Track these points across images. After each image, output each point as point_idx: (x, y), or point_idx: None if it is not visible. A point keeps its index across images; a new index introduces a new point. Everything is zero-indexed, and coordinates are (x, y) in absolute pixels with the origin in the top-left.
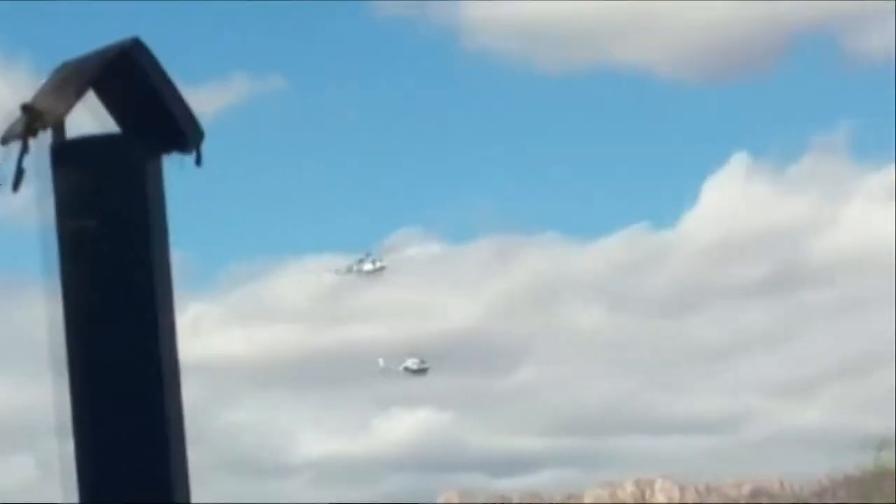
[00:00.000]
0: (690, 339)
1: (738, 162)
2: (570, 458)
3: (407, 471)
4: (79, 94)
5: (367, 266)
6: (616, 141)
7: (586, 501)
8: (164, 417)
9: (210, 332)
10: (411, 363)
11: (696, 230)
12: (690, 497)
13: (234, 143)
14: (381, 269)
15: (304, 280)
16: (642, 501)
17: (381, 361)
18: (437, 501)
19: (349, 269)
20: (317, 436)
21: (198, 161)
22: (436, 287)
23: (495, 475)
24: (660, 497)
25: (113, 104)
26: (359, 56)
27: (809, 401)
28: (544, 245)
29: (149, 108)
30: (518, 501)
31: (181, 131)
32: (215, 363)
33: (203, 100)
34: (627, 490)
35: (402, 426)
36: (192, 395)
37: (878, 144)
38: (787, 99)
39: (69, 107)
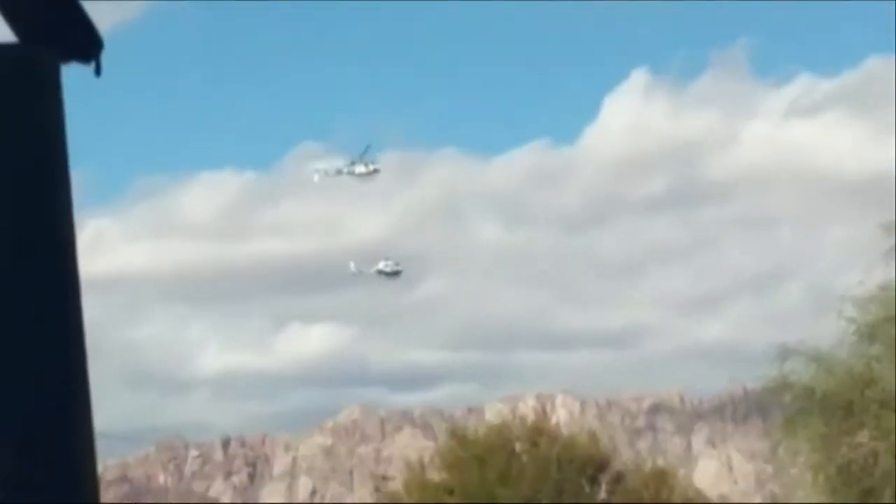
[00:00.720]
0: (592, 253)
1: (639, 78)
2: (472, 372)
3: (309, 385)
4: None
5: (360, 168)
6: (515, 57)
7: (487, 416)
8: (66, 333)
9: (112, 247)
10: (384, 265)
11: (596, 146)
12: (591, 411)
13: (135, 58)
14: (376, 171)
15: (206, 195)
16: (543, 415)
17: (352, 265)
18: (339, 415)
19: (339, 172)
20: (219, 351)
21: (97, 71)
22: (338, 202)
23: (397, 390)
24: (561, 412)
25: (10, 12)
26: None
27: (711, 316)
28: (446, 161)
29: (47, 17)
30: (420, 415)
31: (81, 40)
32: (117, 278)
33: (102, 14)
34: (529, 404)
35: (306, 341)
36: (94, 311)
37: (777, 61)
38: (686, 15)
39: None
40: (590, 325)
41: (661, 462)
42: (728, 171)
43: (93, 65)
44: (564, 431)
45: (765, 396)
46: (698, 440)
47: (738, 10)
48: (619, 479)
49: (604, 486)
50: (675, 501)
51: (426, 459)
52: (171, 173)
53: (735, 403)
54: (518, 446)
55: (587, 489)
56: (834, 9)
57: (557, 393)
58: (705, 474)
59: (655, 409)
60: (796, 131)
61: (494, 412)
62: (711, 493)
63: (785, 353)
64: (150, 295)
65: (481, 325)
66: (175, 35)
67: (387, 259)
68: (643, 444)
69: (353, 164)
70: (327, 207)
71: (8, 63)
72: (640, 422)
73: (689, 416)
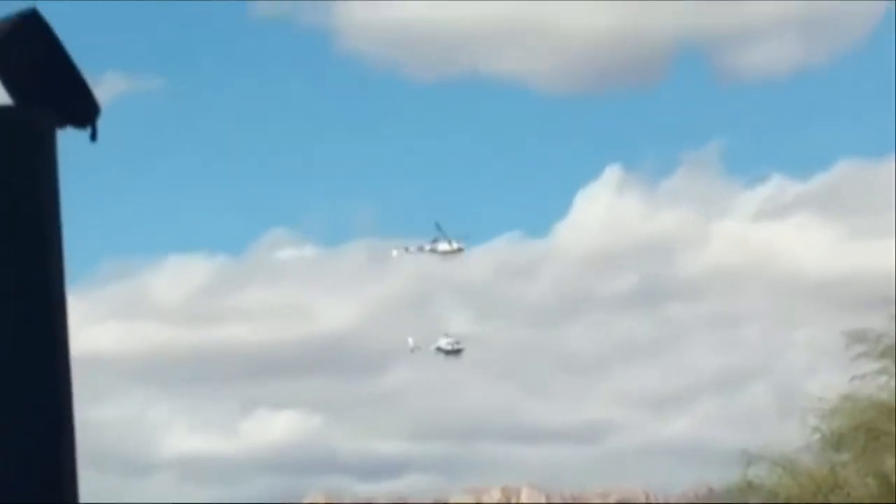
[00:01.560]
0: (561, 348)
1: (612, 174)
2: (437, 463)
3: (274, 472)
4: None
5: (443, 246)
6: (490, 151)
7: None
8: (58, 416)
9: (80, 327)
10: (445, 343)
11: (568, 241)
12: None
13: (109, 141)
14: (460, 250)
15: (176, 278)
16: None
17: (410, 341)
18: (304, 503)
19: (420, 249)
20: (184, 434)
21: (93, 136)
22: (308, 290)
23: (362, 478)
24: None
25: (8, 73)
26: (234, 57)
27: (677, 413)
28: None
29: (47, 81)
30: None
31: (80, 105)
32: (84, 359)
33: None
34: (494, 496)
35: (271, 427)
36: None
37: (749, 162)
38: (661, 114)
39: None
40: (557, 419)
41: None
42: (698, 270)
43: (89, 130)
44: None
45: (729, 498)
46: None
47: (712, 110)
48: None
49: None
50: None
51: None
52: (140, 255)
53: (700, 502)
54: None
55: None
56: (807, 112)
57: (523, 486)
58: None
59: None
60: (766, 232)
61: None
62: None
63: (749, 458)
64: (116, 376)
65: (447, 416)
66: (150, 117)
67: (447, 336)
68: None
69: (435, 241)
70: (296, 294)
71: (7, 124)
72: None
73: None
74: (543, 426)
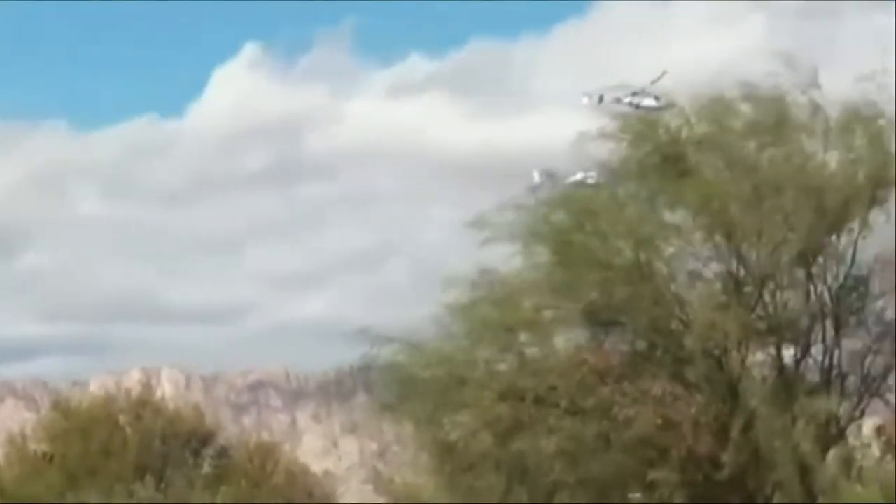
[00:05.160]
0: (196, 229)
1: (248, 53)
2: (75, 345)
3: None
4: None
5: (649, 101)
6: (123, 32)
7: (92, 388)
8: None
9: None
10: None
11: (202, 120)
12: (196, 386)
13: None
14: (665, 106)
15: None
16: (148, 389)
17: (535, 174)
18: None
19: (617, 100)
20: None
21: None
22: None
23: None
24: (166, 386)
25: None
26: None
27: (315, 293)
28: (48, 133)
29: None
30: (22, 387)
31: None
32: None
33: None
34: (134, 378)
35: None
36: None
37: (383, 41)
38: None
39: None
40: (195, 300)
41: (265, 437)
42: (332, 149)
43: None
44: (169, 405)
45: (366, 376)
46: (303, 416)
47: None
48: (223, 453)
49: (208, 460)
50: (278, 476)
51: (28, 431)
52: None
53: (339, 380)
54: (122, 419)
55: (191, 462)
56: None
57: (163, 367)
58: (310, 450)
59: (260, 384)
60: (400, 111)
61: (99, 385)
62: (316, 468)
63: (382, 335)
64: None
65: (84, 298)
66: None
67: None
68: (248, 420)
69: (635, 94)
70: None
71: None
72: (245, 397)
73: (295, 393)
74: (181, 307)
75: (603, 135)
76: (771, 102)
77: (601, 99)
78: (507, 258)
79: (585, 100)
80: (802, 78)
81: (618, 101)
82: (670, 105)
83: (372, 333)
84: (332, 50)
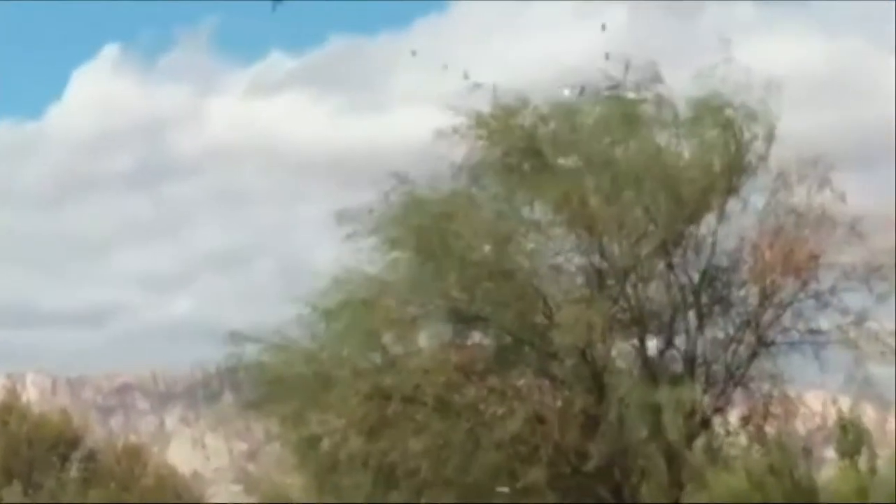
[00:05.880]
0: (62, 231)
1: (108, 53)
2: None
3: None
4: None
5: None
6: None
7: None
8: None
9: None
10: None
11: (64, 123)
12: (63, 390)
13: None
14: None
15: None
16: (13, 394)
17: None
18: None
19: (597, 94)
20: None
21: None
22: None
23: None
24: (31, 390)
25: None
26: None
27: (182, 293)
28: None
29: None
30: None
31: None
32: None
33: None
34: None
35: None
36: None
37: (244, 39)
38: None
39: None
40: (61, 303)
41: (134, 440)
42: (195, 148)
43: None
44: (35, 410)
45: (234, 376)
46: (171, 418)
47: None
48: (91, 456)
49: (76, 464)
50: (147, 478)
51: None
52: None
53: (207, 382)
54: None
55: (59, 466)
56: None
57: (28, 371)
58: (179, 451)
59: (128, 387)
60: (262, 109)
61: None
62: (185, 470)
63: (247, 335)
64: None
65: None
66: None
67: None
68: (116, 423)
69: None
70: None
71: None
72: (113, 400)
73: (162, 395)
74: (47, 310)
75: (457, 132)
76: (620, 99)
77: (582, 90)
78: (371, 257)
79: (567, 91)
80: (651, 74)
81: (597, 94)
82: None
83: (238, 333)
84: (192, 50)
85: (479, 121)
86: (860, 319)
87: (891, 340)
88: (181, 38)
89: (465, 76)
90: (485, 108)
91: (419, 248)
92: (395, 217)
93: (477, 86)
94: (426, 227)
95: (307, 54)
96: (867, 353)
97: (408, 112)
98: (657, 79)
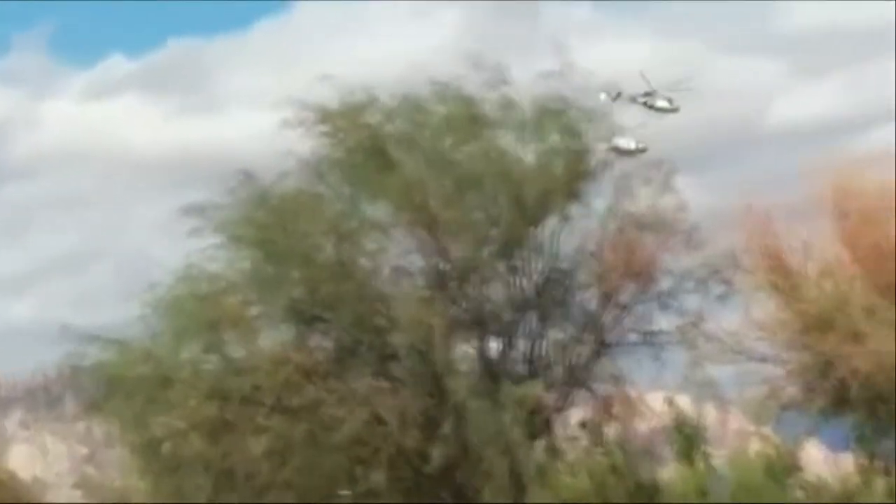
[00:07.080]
0: None
1: None
2: None
3: None
4: None
5: (661, 103)
6: None
7: None
8: None
9: None
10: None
11: None
12: None
13: None
14: (675, 110)
15: None
16: None
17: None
18: None
19: (633, 99)
20: None
21: None
22: None
23: None
24: None
25: None
26: None
27: (20, 296)
28: None
29: None
30: None
31: None
32: None
33: None
34: None
35: None
36: None
37: (80, 42)
38: None
39: None
40: None
41: None
42: (32, 152)
43: None
44: None
45: (74, 378)
46: (12, 423)
47: None
48: None
49: None
50: None
51: None
52: None
53: (47, 385)
54: None
55: None
56: None
57: None
58: (19, 457)
59: None
60: (98, 112)
61: None
62: (25, 475)
63: (85, 337)
64: None
65: None
66: None
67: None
68: None
69: (648, 95)
70: None
71: None
72: None
73: (2, 399)
74: None
75: (303, 124)
76: (462, 100)
77: (618, 96)
78: (211, 255)
79: (603, 96)
80: (493, 75)
81: (633, 100)
82: (675, 109)
83: (77, 332)
84: (29, 52)
85: (325, 115)
86: (698, 320)
87: (728, 340)
88: (17, 41)
89: (315, 74)
90: (331, 105)
91: (262, 246)
92: (238, 213)
93: (326, 77)
94: (270, 224)
95: (145, 57)
96: (705, 353)
97: (247, 112)
98: (504, 80)
